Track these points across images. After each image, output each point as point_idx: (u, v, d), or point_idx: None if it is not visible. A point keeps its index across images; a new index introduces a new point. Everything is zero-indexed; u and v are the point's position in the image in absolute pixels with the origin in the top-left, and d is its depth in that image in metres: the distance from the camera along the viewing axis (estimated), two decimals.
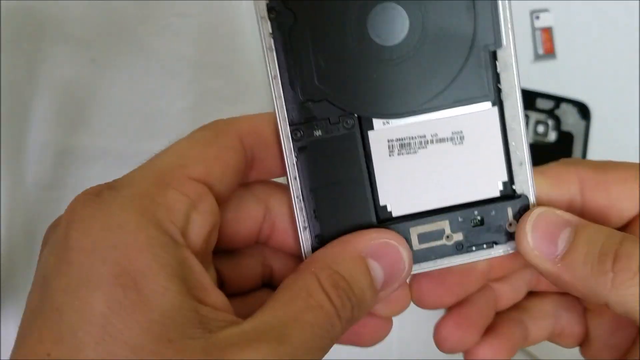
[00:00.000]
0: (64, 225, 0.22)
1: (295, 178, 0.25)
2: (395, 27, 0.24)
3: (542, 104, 0.57)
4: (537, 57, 0.61)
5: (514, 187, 0.26)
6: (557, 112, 0.58)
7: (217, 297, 0.22)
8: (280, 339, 0.21)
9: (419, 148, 0.25)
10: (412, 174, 0.25)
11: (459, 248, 0.26)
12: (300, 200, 0.25)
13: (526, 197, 0.26)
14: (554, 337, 0.30)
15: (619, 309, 0.23)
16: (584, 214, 0.26)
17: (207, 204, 0.23)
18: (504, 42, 0.25)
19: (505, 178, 0.26)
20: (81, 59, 0.58)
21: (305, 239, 0.25)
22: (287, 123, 0.25)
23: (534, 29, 0.62)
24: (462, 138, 0.25)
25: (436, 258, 0.26)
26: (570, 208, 0.26)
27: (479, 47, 0.25)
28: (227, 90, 0.59)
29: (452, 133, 0.25)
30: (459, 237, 0.26)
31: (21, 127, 0.57)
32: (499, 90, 0.25)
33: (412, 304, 0.28)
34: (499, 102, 0.25)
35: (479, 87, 0.25)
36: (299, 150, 0.25)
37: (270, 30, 0.24)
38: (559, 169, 0.26)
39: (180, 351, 0.20)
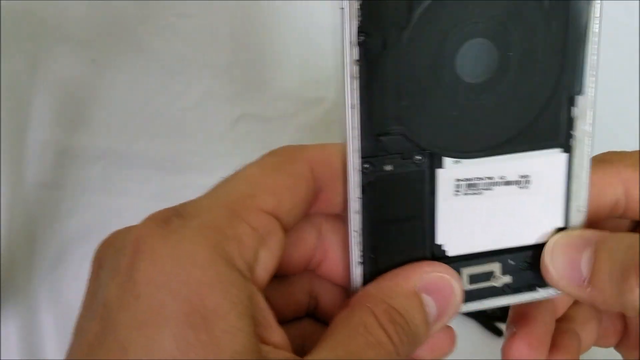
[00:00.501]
0: (130, 254, 0.21)
1: (357, 212, 0.24)
2: (482, 64, 0.23)
3: None
4: None
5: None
6: None
7: (278, 334, 0.22)
8: None
9: (484, 189, 0.24)
10: (473, 215, 0.25)
11: (506, 290, 0.26)
12: (358, 235, 0.24)
13: None
14: (598, 340, 0.30)
15: None
16: (628, 211, 0.26)
17: (275, 239, 0.22)
18: (587, 90, 0.24)
19: (561, 224, 0.25)
20: (81, 59, 0.59)
21: (357, 275, 0.24)
22: (359, 155, 0.23)
23: None
24: (528, 182, 0.25)
25: (483, 299, 0.26)
26: (614, 209, 0.26)
27: (560, 92, 0.24)
28: (226, 90, 0.59)
29: (520, 177, 0.24)
30: (507, 279, 0.26)
31: (21, 127, 0.57)
32: (570, 137, 0.24)
33: None
34: (569, 149, 0.24)
35: (554, 132, 0.24)
36: (367, 184, 0.24)
37: (358, 57, 0.22)
38: (603, 174, 0.26)
39: None
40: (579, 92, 0.24)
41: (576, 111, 0.24)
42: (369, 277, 0.24)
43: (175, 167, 0.57)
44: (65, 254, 0.55)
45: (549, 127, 0.24)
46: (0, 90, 0.57)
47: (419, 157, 0.24)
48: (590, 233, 0.24)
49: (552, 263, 0.25)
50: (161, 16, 0.59)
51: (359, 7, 0.21)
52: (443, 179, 0.24)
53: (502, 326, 0.58)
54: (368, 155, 0.23)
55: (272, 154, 0.24)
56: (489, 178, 0.24)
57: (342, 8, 0.21)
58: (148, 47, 0.59)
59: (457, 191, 0.24)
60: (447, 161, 0.24)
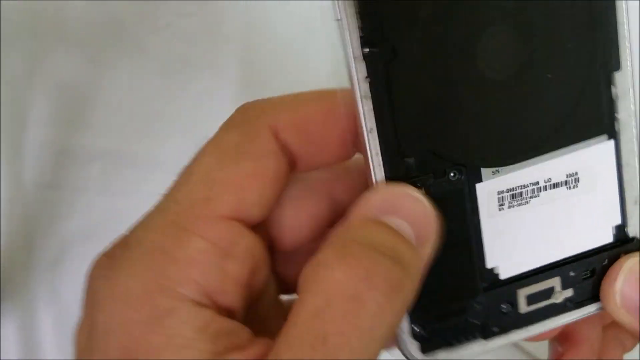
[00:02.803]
0: (85, 297, 0.20)
1: None
2: (508, 55, 0.20)
3: None
4: None
5: (627, 230, 0.23)
6: None
7: (259, 348, 0.19)
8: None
9: (530, 197, 0.21)
10: (522, 228, 0.22)
11: (568, 305, 0.23)
12: None
13: (638, 241, 0.23)
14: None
15: None
16: None
17: (242, 247, 0.20)
18: (623, 64, 0.21)
19: (619, 221, 0.23)
20: (80, 58, 0.58)
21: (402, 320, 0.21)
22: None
23: None
24: (577, 180, 0.22)
25: (544, 319, 0.23)
26: None
27: (596, 71, 0.21)
28: (226, 90, 0.59)
29: (567, 176, 0.22)
30: (568, 293, 0.23)
31: (20, 127, 0.57)
32: (614, 120, 0.21)
33: None
34: (614, 134, 0.22)
35: (597, 118, 0.21)
36: None
37: (366, 73, 0.19)
38: None
39: None
40: (616, 68, 0.21)
41: (616, 90, 0.21)
42: (416, 313, 0.21)
43: (174, 167, 0.56)
44: (64, 254, 0.55)
45: (590, 114, 0.21)
46: None
47: (453, 174, 0.21)
48: None
49: (620, 292, 0.22)
50: (160, 16, 0.59)
51: (357, 15, 0.18)
52: (484, 193, 0.21)
53: None
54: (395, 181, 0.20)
55: (230, 127, 0.21)
56: (534, 183, 0.21)
57: (339, 19, 0.19)
58: (147, 46, 0.59)
59: (501, 205, 0.21)
60: (486, 173, 0.21)
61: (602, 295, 0.22)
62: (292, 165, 0.21)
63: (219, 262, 0.19)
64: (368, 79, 0.19)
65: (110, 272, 0.19)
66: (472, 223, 0.21)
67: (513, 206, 0.21)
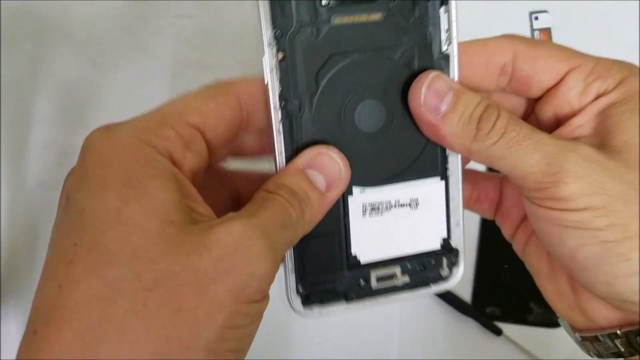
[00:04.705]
0: (81, 154, 0.27)
1: None
2: (374, 119, 0.31)
3: None
4: None
5: (450, 242, 0.33)
6: None
7: (205, 208, 0.27)
8: (250, 215, 0.27)
9: (384, 211, 0.32)
10: (377, 230, 0.32)
11: (405, 287, 0.33)
12: (292, 261, 0.31)
13: (457, 251, 0.33)
14: (473, 204, 0.37)
15: (479, 158, 0.30)
16: (513, 80, 0.32)
17: (198, 145, 0.28)
18: None
19: (445, 235, 0.33)
20: (82, 59, 0.59)
21: (291, 280, 0.31)
22: None
23: (532, 30, 0.62)
24: (417, 204, 0.32)
25: (388, 294, 0.33)
26: (503, 72, 0.32)
27: None
28: None
29: (410, 200, 0.32)
30: (406, 279, 0.33)
31: (22, 128, 0.57)
32: (445, 169, 0.32)
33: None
34: (445, 177, 0.32)
35: (432, 166, 0.32)
36: None
37: (280, 118, 0.29)
38: (499, 41, 0.32)
39: (181, 230, 0.25)
40: None
41: (448, 150, 0.32)
42: (300, 278, 0.31)
43: None
44: None
45: (430, 162, 0.32)
46: (0, 91, 0.57)
47: None
48: (455, 83, 0.31)
49: (425, 90, 0.30)
50: (161, 17, 0.60)
51: (279, 81, 0.29)
52: (353, 203, 0.32)
53: (502, 326, 0.59)
54: None
55: (207, 86, 0.30)
56: (387, 202, 0.32)
57: (267, 83, 0.29)
58: (148, 47, 0.59)
59: (364, 212, 0.32)
60: (356, 190, 0.31)
61: (410, 94, 0.31)
62: (245, 121, 0.30)
63: (183, 148, 0.27)
64: (281, 122, 0.30)
65: (109, 133, 0.27)
66: (343, 222, 0.32)
67: (372, 215, 0.32)
